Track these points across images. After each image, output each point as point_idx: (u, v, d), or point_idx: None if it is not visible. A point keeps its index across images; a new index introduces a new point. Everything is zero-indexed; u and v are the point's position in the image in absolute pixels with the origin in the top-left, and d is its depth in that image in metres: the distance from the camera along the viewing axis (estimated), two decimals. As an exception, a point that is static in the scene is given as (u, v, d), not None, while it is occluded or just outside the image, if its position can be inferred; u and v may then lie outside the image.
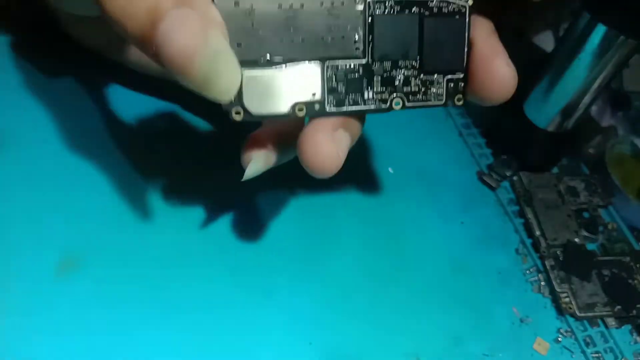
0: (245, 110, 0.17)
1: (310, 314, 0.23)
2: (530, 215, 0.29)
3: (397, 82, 0.18)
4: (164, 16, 0.14)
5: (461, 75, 0.19)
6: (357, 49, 0.18)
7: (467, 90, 0.20)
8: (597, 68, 0.26)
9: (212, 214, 0.25)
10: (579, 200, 0.31)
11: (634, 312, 0.26)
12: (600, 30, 0.25)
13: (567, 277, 0.27)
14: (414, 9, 0.18)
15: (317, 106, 0.17)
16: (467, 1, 0.18)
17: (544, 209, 0.29)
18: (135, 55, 0.25)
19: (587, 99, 0.28)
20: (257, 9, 0.16)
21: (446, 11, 0.18)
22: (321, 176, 0.18)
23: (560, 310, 0.26)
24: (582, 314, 0.26)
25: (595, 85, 0.27)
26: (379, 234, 0.27)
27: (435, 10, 0.18)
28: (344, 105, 0.18)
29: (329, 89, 0.18)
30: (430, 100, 0.19)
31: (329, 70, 0.18)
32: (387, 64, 0.18)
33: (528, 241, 0.29)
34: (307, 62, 0.17)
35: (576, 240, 0.29)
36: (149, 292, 0.22)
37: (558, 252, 0.28)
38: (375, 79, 0.18)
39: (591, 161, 0.33)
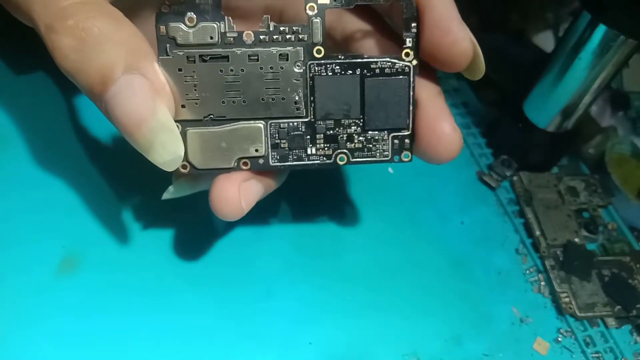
0: (191, 165, 0.18)
1: (310, 314, 0.23)
2: (530, 215, 0.29)
3: (340, 139, 0.19)
4: (115, 80, 0.15)
5: (407, 133, 0.19)
6: (297, 109, 0.18)
7: (414, 148, 0.20)
8: (597, 68, 0.26)
9: (212, 215, 0.25)
10: (579, 200, 0.31)
11: (634, 312, 0.26)
12: (600, 30, 0.25)
13: (567, 277, 0.27)
14: (357, 71, 0.18)
15: (261, 160, 0.18)
16: (411, 62, 0.19)
17: (544, 209, 0.29)
18: None
19: (587, 99, 0.28)
20: (199, 75, 0.17)
21: (389, 71, 0.19)
22: (223, 219, 0.19)
23: (560, 310, 0.26)
24: (582, 314, 0.26)
25: (595, 85, 0.27)
26: (378, 233, 0.27)
27: (377, 70, 0.19)
28: (287, 160, 0.19)
29: (273, 145, 0.18)
30: (375, 156, 0.19)
31: (272, 127, 0.18)
32: (330, 123, 0.19)
33: (528, 241, 0.29)
34: (250, 121, 0.18)
35: (576, 240, 0.29)
36: (147, 293, 0.22)
37: (558, 252, 0.28)
38: (318, 136, 0.19)
39: (591, 161, 0.33)
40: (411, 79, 0.19)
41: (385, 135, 0.19)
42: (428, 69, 0.20)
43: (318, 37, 0.18)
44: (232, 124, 0.18)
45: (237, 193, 0.19)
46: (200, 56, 0.17)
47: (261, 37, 0.18)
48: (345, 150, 0.19)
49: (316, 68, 0.18)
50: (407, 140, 0.19)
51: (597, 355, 0.25)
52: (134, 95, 0.15)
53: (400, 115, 0.19)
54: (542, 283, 0.27)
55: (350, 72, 0.18)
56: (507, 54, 0.35)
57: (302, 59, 0.18)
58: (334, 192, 0.27)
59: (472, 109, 0.34)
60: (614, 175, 0.31)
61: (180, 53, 0.17)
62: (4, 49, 0.27)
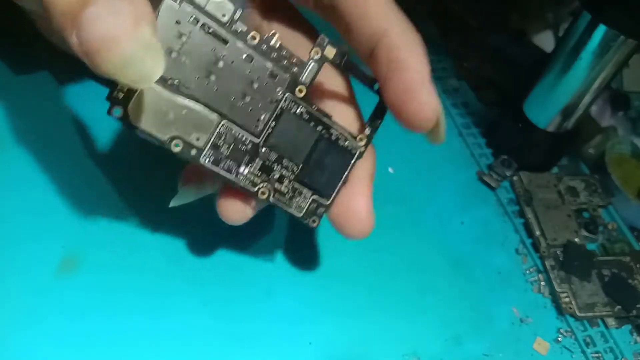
0: (126, 114, 0.16)
1: (310, 314, 0.23)
2: (530, 215, 0.29)
3: (272, 175, 0.19)
4: (95, 1, 0.14)
5: (325, 203, 0.20)
6: (256, 126, 0.18)
7: (328, 216, 0.20)
8: (597, 68, 0.26)
9: (212, 214, 0.25)
10: (579, 200, 0.31)
11: (634, 312, 0.26)
12: (600, 30, 0.25)
13: (567, 277, 0.27)
14: (319, 127, 0.19)
15: (193, 151, 0.17)
16: (361, 147, 0.19)
17: (544, 209, 0.29)
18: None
19: (587, 99, 0.28)
20: (192, 39, 0.17)
21: (341, 144, 0.19)
22: (230, 224, 0.20)
23: (560, 310, 0.26)
24: (582, 314, 0.26)
25: (595, 85, 0.27)
26: (378, 233, 0.27)
27: (333, 137, 0.19)
28: (218, 165, 0.18)
29: (213, 145, 0.18)
30: (291, 207, 0.20)
31: (224, 128, 0.18)
32: (273, 155, 0.19)
33: (528, 241, 0.29)
34: (208, 109, 0.17)
35: (576, 240, 0.29)
36: (147, 293, 0.22)
37: (558, 252, 0.28)
38: (257, 160, 0.18)
39: (591, 161, 0.33)
40: (353, 161, 0.20)
41: (309, 195, 0.19)
42: (370, 151, 0.20)
43: (307, 79, 0.18)
44: (190, 101, 0.17)
45: (243, 200, 0.19)
46: (205, 24, 0.17)
47: (264, 46, 0.18)
48: (270, 187, 0.19)
49: (290, 103, 0.18)
50: (321, 209, 0.20)
51: (597, 355, 0.25)
52: (115, 14, 0.14)
53: (330, 185, 0.20)
54: (542, 283, 0.27)
55: (313, 124, 0.19)
56: (507, 54, 0.36)
57: (285, 88, 0.18)
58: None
59: (472, 109, 0.34)
60: (614, 175, 0.31)
61: (188, 9, 0.16)
62: (4, 49, 0.27)
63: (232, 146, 0.18)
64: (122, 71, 0.14)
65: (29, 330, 0.20)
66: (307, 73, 0.18)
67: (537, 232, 0.28)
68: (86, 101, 0.27)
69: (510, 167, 0.31)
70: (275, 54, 0.18)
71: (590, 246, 0.29)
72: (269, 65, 0.18)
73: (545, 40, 0.38)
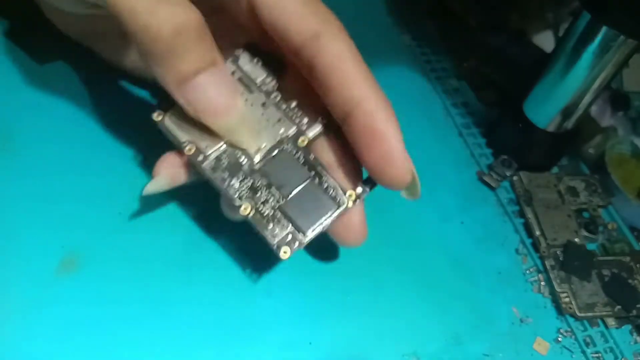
0: (163, 119, 0.21)
1: (309, 314, 0.23)
2: (530, 215, 0.29)
3: (257, 196, 0.20)
4: (207, 69, 0.18)
5: (303, 240, 0.20)
6: (257, 151, 0.21)
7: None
8: (597, 68, 0.26)
9: (212, 213, 0.25)
10: (579, 200, 0.31)
11: (634, 312, 0.26)
12: (600, 30, 0.25)
13: (567, 277, 0.27)
14: (312, 171, 0.21)
15: (200, 157, 0.20)
16: (348, 203, 0.21)
17: (544, 209, 0.29)
18: (130, 61, 0.25)
19: (587, 99, 0.28)
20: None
21: (329, 193, 0.21)
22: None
23: (560, 310, 0.26)
24: (582, 314, 0.26)
25: (595, 85, 0.27)
26: (378, 233, 0.27)
27: (324, 185, 0.21)
28: (215, 173, 0.20)
29: (218, 156, 0.20)
30: (265, 232, 0.20)
31: (226, 152, 0.21)
32: (264, 180, 0.20)
33: (528, 241, 0.29)
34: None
35: (576, 240, 0.29)
36: (149, 291, 0.22)
37: (558, 252, 0.28)
38: (248, 179, 0.20)
39: (591, 161, 0.33)
40: (336, 212, 0.20)
41: (288, 226, 0.20)
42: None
43: (310, 134, 0.21)
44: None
45: None
46: (241, 77, 0.21)
47: (281, 102, 0.21)
48: (253, 206, 0.20)
49: (291, 146, 0.21)
50: (295, 244, 0.20)
51: (597, 355, 0.25)
52: (219, 84, 0.19)
53: (309, 224, 0.20)
54: (542, 283, 0.27)
55: (307, 168, 0.21)
56: (507, 54, 0.35)
57: (290, 134, 0.21)
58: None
59: (472, 109, 0.34)
60: (614, 175, 0.31)
61: (233, 67, 0.21)
62: (8, 45, 0.27)
63: (231, 161, 0.20)
64: (227, 134, 0.20)
65: (29, 329, 0.20)
66: (312, 131, 0.21)
67: (537, 232, 0.29)
68: (88, 100, 0.27)
69: (510, 167, 0.31)
70: (290, 111, 0.21)
71: (590, 246, 0.29)
72: (280, 114, 0.21)
73: (545, 40, 0.38)
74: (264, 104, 0.21)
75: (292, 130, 0.21)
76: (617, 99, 0.36)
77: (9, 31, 0.28)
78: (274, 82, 0.21)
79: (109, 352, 0.20)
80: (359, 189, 0.21)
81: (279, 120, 0.21)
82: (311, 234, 0.20)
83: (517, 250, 0.28)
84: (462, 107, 0.34)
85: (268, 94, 0.21)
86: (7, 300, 0.21)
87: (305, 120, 0.21)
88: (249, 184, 0.20)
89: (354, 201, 0.21)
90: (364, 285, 0.25)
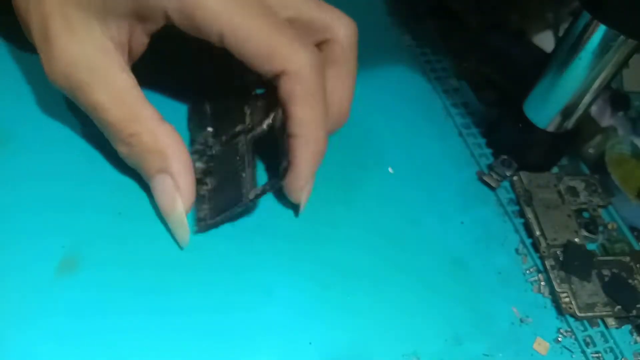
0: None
1: (310, 314, 0.23)
2: (530, 215, 0.29)
3: (204, 179, 0.25)
4: (154, 177, 0.23)
5: (209, 221, 0.24)
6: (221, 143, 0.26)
7: None
8: (597, 68, 0.26)
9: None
10: (579, 200, 0.31)
11: (634, 312, 0.26)
12: (600, 30, 0.25)
13: (567, 277, 0.27)
14: (240, 165, 0.24)
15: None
16: (247, 199, 0.23)
17: (544, 209, 0.29)
18: None
19: (587, 99, 0.28)
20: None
21: (243, 189, 0.24)
22: None
23: (560, 310, 0.26)
24: (582, 314, 0.26)
25: (595, 85, 0.27)
26: (378, 233, 0.27)
27: (241, 180, 0.24)
28: (217, 204, 0.24)
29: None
30: (197, 208, 0.24)
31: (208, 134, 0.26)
32: (212, 167, 0.25)
33: (528, 241, 0.29)
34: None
35: (576, 240, 0.29)
36: (147, 293, 0.22)
37: (558, 252, 0.28)
38: (205, 162, 0.25)
39: (591, 161, 0.33)
40: (236, 206, 0.23)
41: (206, 208, 0.24)
42: None
43: (257, 133, 0.25)
44: None
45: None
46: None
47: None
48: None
49: (241, 139, 0.25)
50: (203, 223, 0.24)
51: (597, 355, 0.25)
52: (163, 191, 0.23)
53: (218, 210, 0.24)
54: (542, 283, 0.27)
55: (239, 160, 0.24)
56: (507, 54, 0.35)
57: (240, 129, 0.25)
58: (334, 192, 0.27)
59: (472, 109, 0.34)
60: (614, 175, 0.31)
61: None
62: (6, 44, 0.27)
63: (203, 146, 0.26)
64: (174, 230, 0.23)
65: (28, 330, 0.20)
66: (258, 131, 0.25)
67: (537, 232, 0.29)
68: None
69: (510, 167, 0.31)
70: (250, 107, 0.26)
71: (590, 246, 0.29)
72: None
73: (545, 40, 0.38)
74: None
75: (239, 128, 0.25)
76: (617, 99, 0.36)
77: (10, 32, 0.28)
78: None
79: (109, 352, 0.20)
80: (259, 190, 0.24)
81: (237, 116, 0.25)
82: (212, 220, 0.24)
83: (517, 250, 0.28)
84: (462, 107, 0.34)
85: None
86: (7, 300, 0.21)
87: (258, 119, 0.25)
88: (204, 167, 0.25)
89: (252, 201, 0.23)
90: (364, 285, 0.25)
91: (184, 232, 0.23)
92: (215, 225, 0.24)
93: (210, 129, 0.26)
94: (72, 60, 0.21)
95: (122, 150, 0.23)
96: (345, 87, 0.26)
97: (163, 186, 0.22)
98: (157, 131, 0.22)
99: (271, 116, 0.24)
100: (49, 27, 0.21)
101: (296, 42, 0.22)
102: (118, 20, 0.21)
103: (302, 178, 0.24)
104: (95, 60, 0.21)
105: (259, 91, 0.27)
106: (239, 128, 0.25)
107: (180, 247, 0.23)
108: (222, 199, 0.24)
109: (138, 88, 0.22)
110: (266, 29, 0.21)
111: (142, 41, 0.23)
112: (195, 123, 0.27)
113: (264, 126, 0.24)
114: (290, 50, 0.21)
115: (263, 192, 0.23)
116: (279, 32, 0.21)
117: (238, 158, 0.24)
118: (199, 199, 0.24)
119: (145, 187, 0.25)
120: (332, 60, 0.25)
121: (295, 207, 0.26)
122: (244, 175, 0.24)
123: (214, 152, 0.25)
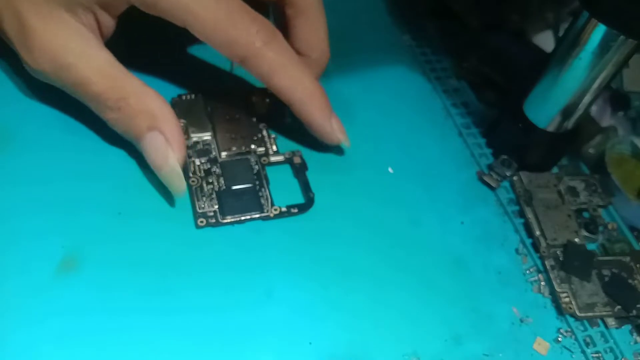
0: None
1: (310, 314, 0.23)
2: (530, 215, 0.29)
3: (208, 177, 0.26)
4: (144, 136, 0.23)
5: (221, 221, 0.25)
6: (228, 149, 0.27)
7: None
8: (597, 68, 0.26)
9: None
10: (579, 200, 0.31)
11: (634, 312, 0.26)
12: (600, 30, 0.25)
13: (567, 277, 0.27)
14: (257, 181, 0.26)
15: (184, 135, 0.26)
16: (268, 213, 0.26)
17: (544, 209, 0.29)
18: None
19: (587, 99, 0.28)
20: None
21: (260, 201, 0.26)
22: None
23: (560, 310, 0.26)
24: (582, 314, 0.26)
25: (595, 85, 0.27)
26: (378, 233, 0.27)
27: (259, 194, 0.26)
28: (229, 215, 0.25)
29: (195, 142, 0.27)
30: (196, 202, 0.25)
31: (204, 141, 0.27)
32: (219, 170, 0.26)
33: (528, 241, 0.29)
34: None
35: (576, 240, 0.29)
36: (147, 293, 0.22)
37: (558, 252, 0.28)
38: (207, 164, 0.27)
39: (591, 161, 0.33)
40: (257, 217, 0.25)
41: (215, 207, 0.25)
42: None
43: (271, 159, 0.28)
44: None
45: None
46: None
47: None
48: (199, 182, 0.26)
49: (254, 159, 0.27)
50: (213, 220, 0.25)
51: (597, 355, 0.25)
52: (155, 146, 0.23)
53: (232, 211, 0.25)
54: (542, 283, 0.27)
55: (255, 177, 0.26)
56: (507, 54, 0.35)
57: (258, 151, 0.28)
58: (334, 192, 0.27)
59: (472, 109, 0.34)
60: (614, 175, 0.31)
61: None
62: (8, 45, 0.27)
63: (203, 148, 0.27)
64: (168, 185, 0.24)
65: (28, 330, 0.20)
66: (275, 158, 0.27)
67: (537, 232, 0.29)
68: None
69: (510, 167, 0.31)
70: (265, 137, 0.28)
71: (590, 246, 0.29)
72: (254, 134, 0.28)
73: (545, 40, 0.38)
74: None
75: (261, 150, 0.27)
76: (617, 99, 0.36)
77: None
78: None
79: (109, 352, 0.20)
80: (284, 208, 0.26)
81: (254, 138, 0.28)
82: (229, 219, 0.25)
83: (517, 250, 0.28)
84: (462, 107, 0.34)
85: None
86: (6, 300, 0.21)
87: (275, 147, 0.28)
88: (207, 167, 0.26)
89: (275, 215, 0.25)
90: (364, 285, 0.25)
91: (179, 182, 0.23)
92: (220, 224, 0.25)
93: (210, 133, 0.27)
94: (53, 45, 0.23)
95: (110, 116, 0.24)
96: (319, 29, 0.27)
97: (154, 142, 0.23)
98: (144, 94, 0.23)
99: (285, 154, 0.28)
100: (25, 20, 0.22)
101: (253, 27, 0.23)
102: (84, 8, 0.23)
103: (317, 109, 0.26)
104: (75, 42, 0.23)
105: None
106: (251, 147, 0.27)
107: (178, 196, 0.24)
108: (237, 204, 0.25)
109: (119, 62, 0.24)
110: (224, 18, 0.23)
111: (109, 24, 0.24)
112: (194, 121, 0.27)
113: (281, 158, 0.27)
114: (247, 39, 0.23)
115: (285, 213, 0.26)
116: (236, 21, 0.23)
117: (254, 174, 0.26)
118: (204, 194, 0.25)
119: (146, 187, 0.25)
120: (299, 11, 0.27)
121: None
122: (263, 190, 0.26)
123: (218, 157, 0.27)
